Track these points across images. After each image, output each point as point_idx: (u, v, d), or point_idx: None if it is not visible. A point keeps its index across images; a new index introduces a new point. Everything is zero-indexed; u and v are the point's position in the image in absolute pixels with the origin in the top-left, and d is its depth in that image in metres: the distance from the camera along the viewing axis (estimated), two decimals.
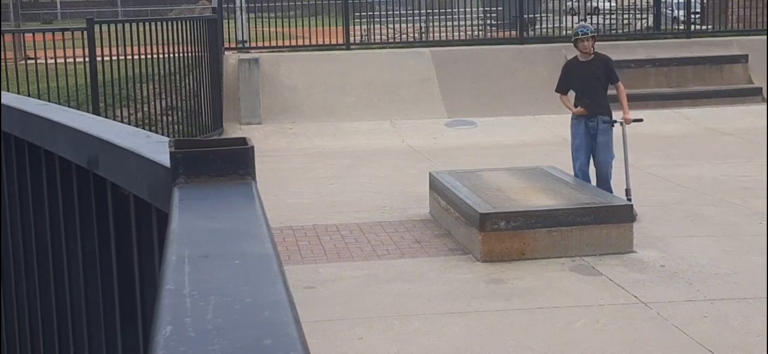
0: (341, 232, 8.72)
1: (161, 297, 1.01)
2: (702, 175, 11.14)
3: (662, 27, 19.06)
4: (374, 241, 8.39)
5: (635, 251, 7.77)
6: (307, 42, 17.62)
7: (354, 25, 17.69)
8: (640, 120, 9.42)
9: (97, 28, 12.60)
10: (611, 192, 8.76)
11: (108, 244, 2.08)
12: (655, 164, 11.89)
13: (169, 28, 13.29)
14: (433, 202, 9.16)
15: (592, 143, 9.10)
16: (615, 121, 9.07)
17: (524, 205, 7.97)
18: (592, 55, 9.18)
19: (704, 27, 19.36)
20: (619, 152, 9.20)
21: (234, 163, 1.50)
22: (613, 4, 20.04)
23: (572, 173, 9.26)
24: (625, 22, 18.98)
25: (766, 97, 16.13)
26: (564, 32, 18.77)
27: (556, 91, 9.51)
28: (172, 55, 13.25)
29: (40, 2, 41.74)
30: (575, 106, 9.25)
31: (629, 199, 8.74)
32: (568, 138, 14.35)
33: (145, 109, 13.66)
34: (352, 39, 17.18)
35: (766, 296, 6.50)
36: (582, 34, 9.17)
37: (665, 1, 19.71)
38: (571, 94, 9.45)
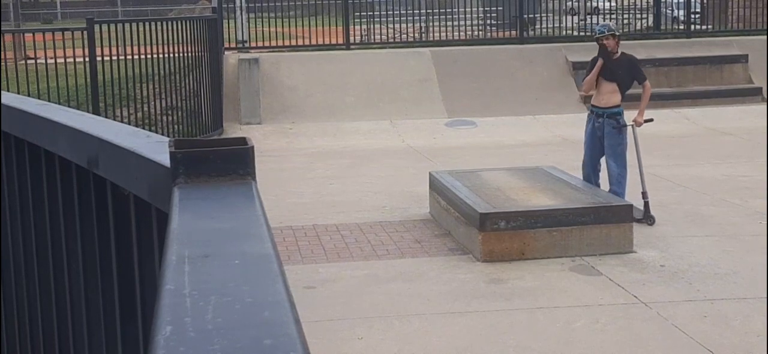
0: (341, 232, 8.71)
1: (161, 297, 1.01)
2: (702, 175, 11.14)
3: (662, 27, 19.05)
4: (374, 241, 8.39)
5: (635, 251, 7.77)
6: (307, 42, 17.62)
7: (354, 25, 17.68)
8: (651, 120, 9.33)
9: (97, 28, 12.60)
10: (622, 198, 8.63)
11: (108, 244, 2.08)
12: (656, 164, 11.88)
13: (169, 28, 13.28)
14: (433, 202, 9.16)
15: (599, 144, 9.07)
16: (625, 125, 9.00)
17: (524, 205, 7.97)
18: (618, 54, 9.10)
19: (704, 27, 19.36)
20: (632, 156, 9.10)
21: (234, 163, 1.50)
22: (613, 4, 20.04)
23: (571, 173, 9.29)
24: (625, 22, 18.98)
25: (766, 97, 16.13)
26: (564, 32, 18.78)
27: (585, 79, 9.28)
28: (172, 55, 13.25)
29: (40, 2, 41.74)
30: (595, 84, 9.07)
31: (646, 202, 8.71)
32: (568, 138, 14.35)
33: (145, 109, 13.66)
34: (352, 39, 17.18)
35: (766, 296, 6.51)
36: (599, 33, 9.18)
37: (665, 1, 19.71)
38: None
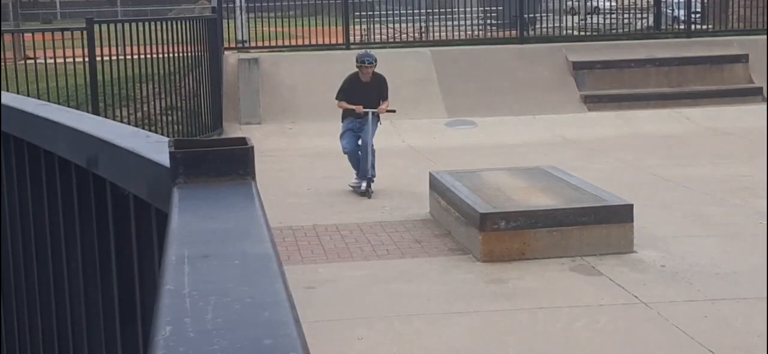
0: (341, 232, 8.72)
1: (161, 297, 1.01)
2: (703, 175, 11.13)
3: (662, 27, 19.06)
4: (374, 241, 8.39)
5: (635, 251, 7.77)
6: (307, 42, 17.62)
7: (354, 25, 17.68)
8: (393, 111, 10.87)
9: (97, 28, 12.60)
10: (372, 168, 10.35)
11: (108, 244, 2.07)
12: (656, 164, 11.89)
13: (169, 28, 13.28)
14: (433, 202, 9.16)
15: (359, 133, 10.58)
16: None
17: (524, 205, 7.96)
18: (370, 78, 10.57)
19: (704, 27, 19.36)
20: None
21: (234, 163, 1.49)
22: (614, 3, 20.04)
23: (571, 173, 9.32)
24: (626, 21, 18.98)
25: (766, 96, 16.12)
26: (564, 32, 18.78)
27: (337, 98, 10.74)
28: (172, 55, 13.25)
29: (40, 2, 41.75)
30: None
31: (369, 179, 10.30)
32: (568, 138, 14.38)
33: (145, 109, 13.66)
34: (352, 39, 17.17)
35: (766, 296, 6.50)
36: (368, 63, 10.49)
37: (665, 1, 19.70)
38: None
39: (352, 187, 10.60)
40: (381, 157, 12.99)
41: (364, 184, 10.39)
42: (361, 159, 10.54)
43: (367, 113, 10.52)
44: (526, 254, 7.61)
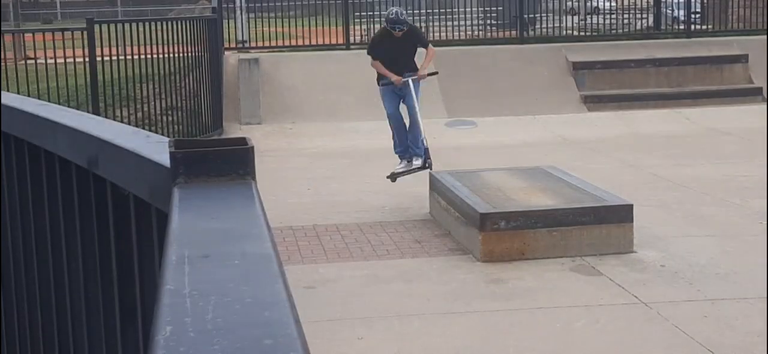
0: (341, 232, 8.71)
1: (161, 297, 1.01)
2: (702, 175, 11.13)
3: (662, 27, 19.05)
4: (374, 241, 8.39)
5: (635, 251, 7.77)
6: (307, 42, 17.62)
7: (354, 25, 17.68)
8: (435, 73, 10.52)
9: (97, 28, 12.60)
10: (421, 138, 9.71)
11: (108, 244, 2.07)
12: (656, 164, 11.89)
13: (169, 28, 13.28)
14: (433, 202, 9.16)
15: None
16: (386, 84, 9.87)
17: (524, 205, 7.96)
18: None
19: (704, 27, 19.35)
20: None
21: (234, 163, 1.49)
22: (613, 3, 20.04)
23: (571, 173, 9.31)
24: (625, 21, 18.98)
25: (766, 97, 16.12)
26: (564, 32, 18.77)
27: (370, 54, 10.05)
28: (172, 55, 13.25)
29: (40, 2, 41.74)
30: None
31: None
32: (568, 138, 14.38)
33: (145, 109, 13.66)
34: (352, 39, 17.17)
35: (766, 296, 6.50)
36: (399, 30, 9.85)
37: (665, 1, 19.70)
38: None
39: (398, 173, 9.69)
40: (381, 157, 13.00)
41: (417, 161, 9.63)
42: (410, 130, 9.71)
43: (405, 82, 9.69)
44: (526, 254, 7.61)
